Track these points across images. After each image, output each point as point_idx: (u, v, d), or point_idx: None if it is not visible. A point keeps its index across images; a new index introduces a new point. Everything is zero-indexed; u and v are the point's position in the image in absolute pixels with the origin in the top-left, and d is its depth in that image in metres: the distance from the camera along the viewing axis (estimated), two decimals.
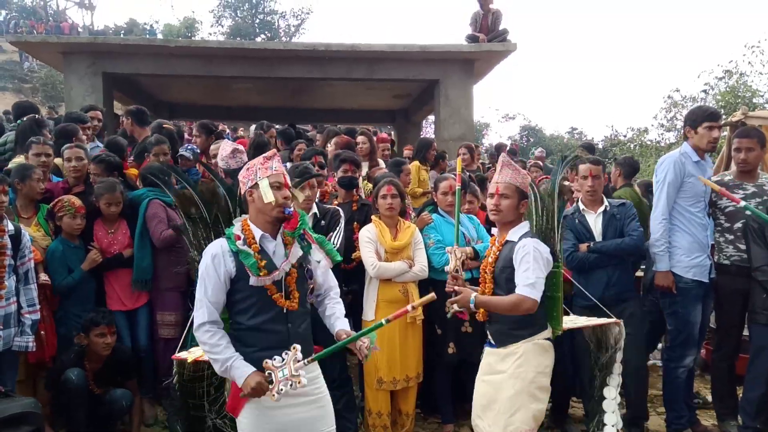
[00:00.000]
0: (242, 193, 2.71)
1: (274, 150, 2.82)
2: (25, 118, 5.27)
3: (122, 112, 7.09)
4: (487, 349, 3.18)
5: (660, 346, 5.42)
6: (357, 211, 4.53)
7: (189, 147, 5.72)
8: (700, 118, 4.20)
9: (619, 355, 3.39)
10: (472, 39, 9.42)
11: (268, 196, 2.57)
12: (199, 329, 2.57)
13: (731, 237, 4.16)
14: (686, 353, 4.19)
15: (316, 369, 2.75)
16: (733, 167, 4.33)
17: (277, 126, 8.72)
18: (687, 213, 4.19)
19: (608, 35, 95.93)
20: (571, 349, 4.23)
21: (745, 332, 4.22)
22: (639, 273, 5.07)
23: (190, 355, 3.01)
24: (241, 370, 2.51)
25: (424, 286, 4.26)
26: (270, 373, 2.47)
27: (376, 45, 9.42)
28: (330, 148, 6.13)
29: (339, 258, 2.81)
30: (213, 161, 5.65)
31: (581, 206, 4.28)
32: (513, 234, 3.05)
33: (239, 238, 2.60)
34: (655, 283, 4.27)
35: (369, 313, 4.07)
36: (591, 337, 3.52)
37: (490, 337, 3.16)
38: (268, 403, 2.51)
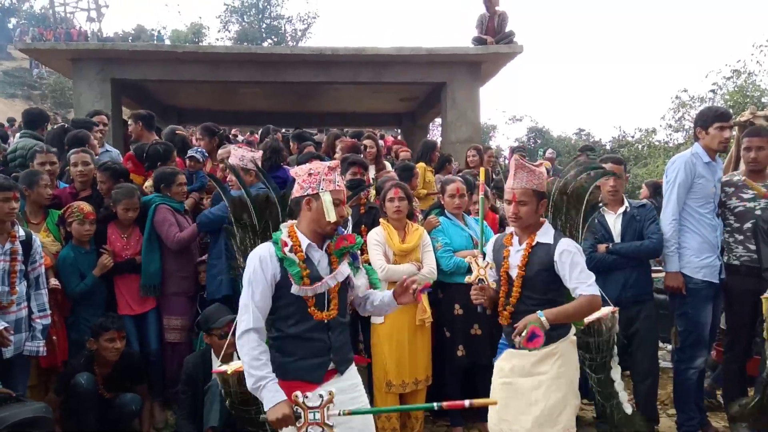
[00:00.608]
0: (296, 196, 2.63)
1: (338, 161, 2.79)
2: (55, 126, 5.41)
3: (128, 116, 7.11)
4: (511, 351, 3.02)
5: (669, 347, 5.40)
6: (365, 214, 4.54)
7: (198, 149, 5.77)
8: (710, 118, 4.18)
9: (615, 338, 3.43)
10: (478, 41, 9.40)
11: (330, 213, 2.52)
12: (243, 336, 2.47)
13: (741, 237, 4.13)
14: (696, 354, 4.16)
15: (355, 377, 2.71)
16: (743, 167, 4.31)
17: (282, 130, 8.74)
18: (696, 214, 4.16)
19: (615, 36, 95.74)
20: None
21: None
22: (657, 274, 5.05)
23: (229, 367, 2.97)
24: (272, 395, 2.40)
25: (434, 289, 4.26)
26: (298, 409, 2.35)
27: (383, 49, 9.42)
28: (337, 154, 6.14)
29: (379, 286, 2.78)
30: (220, 165, 5.66)
31: (602, 206, 4.27)
32: (543, 236, 2.96)
33: (286, 245, 2.54)
34: (665, 284, 4.25)
35: (378, 317, 4.08)
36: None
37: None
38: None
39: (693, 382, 4.20)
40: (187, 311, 4.54)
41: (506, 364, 3.04)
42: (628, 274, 4.12)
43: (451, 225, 4.38)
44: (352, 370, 2.70)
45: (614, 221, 4.23)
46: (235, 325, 2.56)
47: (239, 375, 2.82)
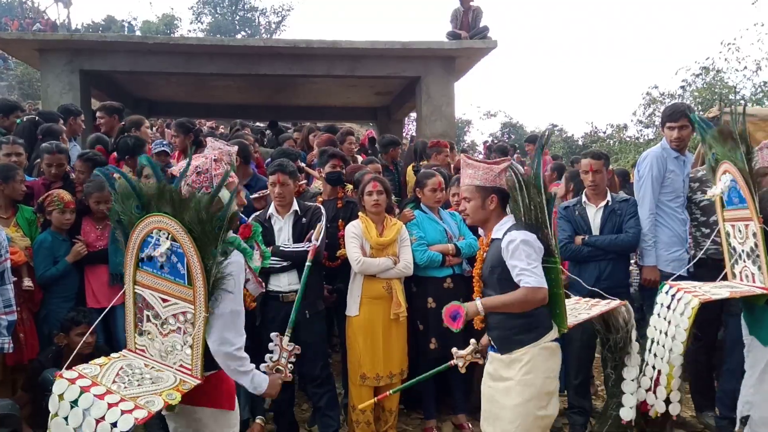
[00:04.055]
0: None
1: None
2: (24, 119, 5.30)
3: (97, 107, 6.90)
4: (491, 354, 3.00)
5: None
6: (342, 208, 4.53)
7: (164, 143, 5.68)
8: (663, 117, 4.29)
9: (634, 334, 3.24)
10: (453, 36, 9.43)
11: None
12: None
13: (707, 231, 4.21)
14: None
15: None
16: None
17: (258, 123, 8.66)
18: (667, 208, 4.24)
19: (587, 32, 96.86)
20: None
21: None
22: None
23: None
24: (262, 377, 2.58)
25: (407, 283, 4.27)
26: (274, 367, 2.86)
27: (358, 42, 9.39)
28: (315, 150, 6.14)
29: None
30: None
31: (584, 199, 4.34)
32: (497, 231, 2.88)
33: None
34: (643, 277, 4.32)
35: (353, 309, 4.08)
36: (598, 320, 3.34)
37: (492, 342, 3.00)
38: None
39: None
40: None
41: (488, 366, 3.01)
42: (603, 266, 4.18)
43: (427, 219, 4.38)
44: None
45: (594, 214, 4.29)
46: None
47: None
